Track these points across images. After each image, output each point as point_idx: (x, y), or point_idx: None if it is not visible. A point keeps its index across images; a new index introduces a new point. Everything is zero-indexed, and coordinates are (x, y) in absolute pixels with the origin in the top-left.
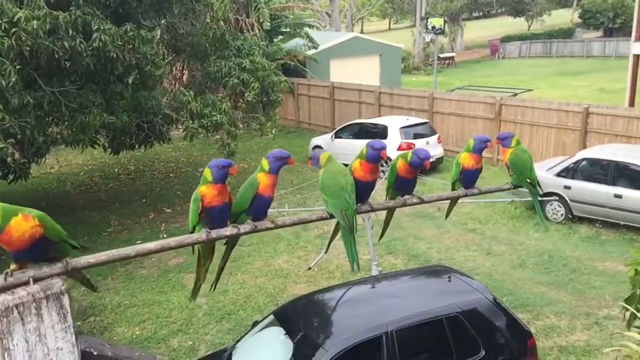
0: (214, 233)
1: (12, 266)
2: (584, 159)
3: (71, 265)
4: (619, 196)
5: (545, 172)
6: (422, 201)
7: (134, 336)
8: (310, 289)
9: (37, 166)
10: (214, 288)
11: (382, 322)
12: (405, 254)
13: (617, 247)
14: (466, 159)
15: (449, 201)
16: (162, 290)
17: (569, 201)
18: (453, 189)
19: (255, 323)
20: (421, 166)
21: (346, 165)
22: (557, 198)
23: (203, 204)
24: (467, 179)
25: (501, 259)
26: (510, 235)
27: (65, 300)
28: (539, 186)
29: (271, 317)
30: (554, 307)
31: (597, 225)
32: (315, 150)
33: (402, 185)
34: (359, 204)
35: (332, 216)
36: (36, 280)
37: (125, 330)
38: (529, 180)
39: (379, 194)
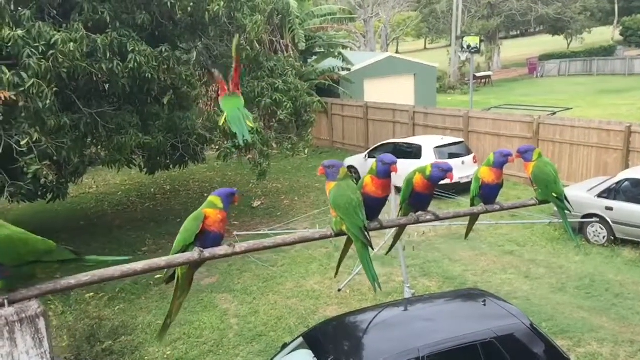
0: (208, 252)
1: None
2: (626, 180)
3: (49, 287)
4: None
5: (586, 193)
6: (437, 218)
7: (165, 356)
8: (341, 311)
9: (76, 186)
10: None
11: (415, 346)
12: (440, 277)
13: None
14: (486, 174)
15: (471, 221)
16: (194, 310)
17: (611, 223)
18: (472, 205)
19: (285, 345)
20: (443, 179)
21: None
22: (598, 220)
23: (203, 225)
24: (487, 194)
25: (540, 283)
26: (549, 258)
27: (42, 324)
28: (567, 201)
29: (300, 339)
30: (595, 333)
31: None
32: (332, 160)
33: (417, 201)
34: (368, 221)
35: (337, 234)
36: (12, 302)
37: (157, 350)
38: (555, 195)
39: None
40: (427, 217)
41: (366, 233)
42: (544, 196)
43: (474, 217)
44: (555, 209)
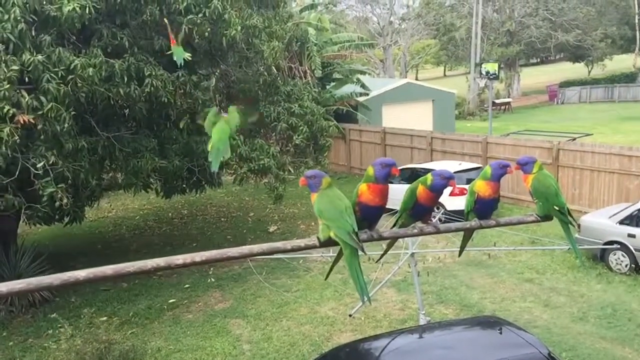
0: (163, 261)
1: None
2: None
3: None
4: None
5: (608, 220)
6: (422, 233)
7: None
8: (355, 337)
9: (95, 210)
10: None
11: None
12: (457, 304)
13: None
14: (482, 187)
15: (465, 238)
16: (207, 336)
17: (633, 251)
18: (466, 220)
19: None
20: (445, 187)
21: (391, 209)
22: (620, 247)
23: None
24: (483, 209)
25: (560, 312)
26: (570, 286)
27: None
28: (570, 214)
29: None
30: None
31: None
32: (314, 170)
33: (419, 212)
34: (365, 230)
35: (324, 244)
36: None
37: None
38: (556, 208)
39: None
40: (414, 231)
41: (355, 237)
42: (544, 210)
43: (468, 234)
44: (577, 234)
